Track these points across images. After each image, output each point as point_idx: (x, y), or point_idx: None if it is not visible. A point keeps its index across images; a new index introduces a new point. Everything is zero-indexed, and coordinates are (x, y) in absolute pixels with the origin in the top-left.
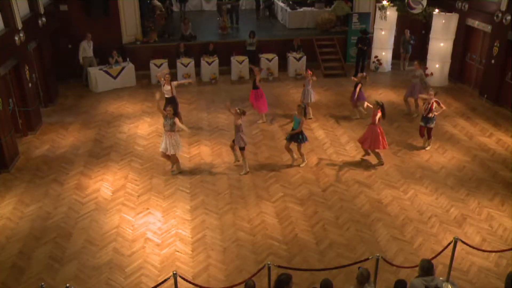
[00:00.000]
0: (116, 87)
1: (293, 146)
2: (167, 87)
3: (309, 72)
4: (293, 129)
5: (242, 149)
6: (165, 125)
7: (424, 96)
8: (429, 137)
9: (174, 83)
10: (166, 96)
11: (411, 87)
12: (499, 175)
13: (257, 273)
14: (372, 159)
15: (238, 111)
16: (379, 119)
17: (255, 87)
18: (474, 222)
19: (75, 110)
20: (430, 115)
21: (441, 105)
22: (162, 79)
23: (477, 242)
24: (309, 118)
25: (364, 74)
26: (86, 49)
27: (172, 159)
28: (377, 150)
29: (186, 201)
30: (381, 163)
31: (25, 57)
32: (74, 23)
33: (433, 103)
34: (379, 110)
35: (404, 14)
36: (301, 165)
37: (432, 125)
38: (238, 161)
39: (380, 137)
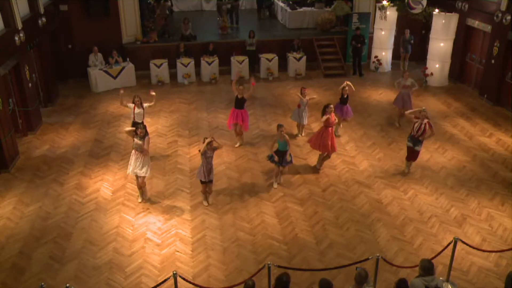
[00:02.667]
0: (116, 87)
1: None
2: (138, 110)
3: (306, 90)
4: (280, 150)
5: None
6: (136, 145)
7: (413, 112)
8: (414, 159)
9: (146, 105)
10: (138, 120)
11: (402, 98)
12: (499, 175)
13: (257, 273)
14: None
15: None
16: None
17: (241, 106)
18: (474, 222)
19: (75, 110)
20: (421, 138)
21: (432, 128)
22: (130, 103)
23: (477, 242)
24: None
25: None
26: (94, 62)
27: (143, 182)
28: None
29: (186, 201)
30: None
31: (25, 57)
32: (74, 23)
33: (425, 124)
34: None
35: (404, 14)
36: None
37: (420, 148)
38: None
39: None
